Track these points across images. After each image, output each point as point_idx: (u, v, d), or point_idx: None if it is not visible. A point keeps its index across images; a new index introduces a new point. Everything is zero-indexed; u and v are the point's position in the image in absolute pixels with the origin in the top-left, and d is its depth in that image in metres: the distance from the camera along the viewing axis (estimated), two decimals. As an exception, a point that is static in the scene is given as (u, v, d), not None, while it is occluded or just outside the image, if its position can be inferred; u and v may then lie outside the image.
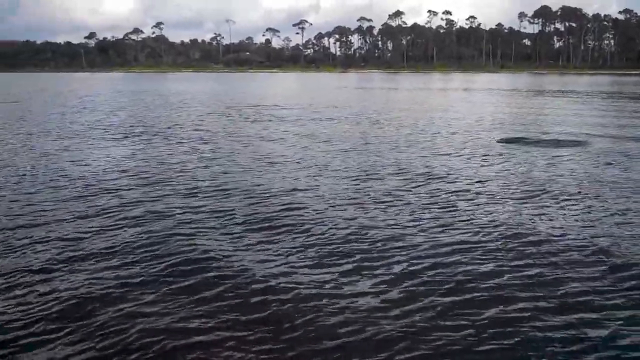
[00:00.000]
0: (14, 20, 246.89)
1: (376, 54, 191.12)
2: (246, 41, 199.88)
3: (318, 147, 14.13)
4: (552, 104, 31.40)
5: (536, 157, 12.47)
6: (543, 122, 20.63)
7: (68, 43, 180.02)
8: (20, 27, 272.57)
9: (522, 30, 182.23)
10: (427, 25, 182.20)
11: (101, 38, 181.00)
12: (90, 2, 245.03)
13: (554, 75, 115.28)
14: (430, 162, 11.85)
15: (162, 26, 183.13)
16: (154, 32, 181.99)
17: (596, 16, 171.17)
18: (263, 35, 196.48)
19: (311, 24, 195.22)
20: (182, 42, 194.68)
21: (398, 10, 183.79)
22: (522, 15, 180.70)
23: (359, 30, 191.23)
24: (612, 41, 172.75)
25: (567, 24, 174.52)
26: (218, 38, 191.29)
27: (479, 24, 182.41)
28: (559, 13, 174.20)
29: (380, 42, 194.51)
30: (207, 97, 38.28)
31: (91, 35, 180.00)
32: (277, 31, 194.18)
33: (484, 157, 12.47)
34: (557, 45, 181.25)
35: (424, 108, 28.30)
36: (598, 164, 11.57)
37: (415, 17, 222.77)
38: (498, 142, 15.23)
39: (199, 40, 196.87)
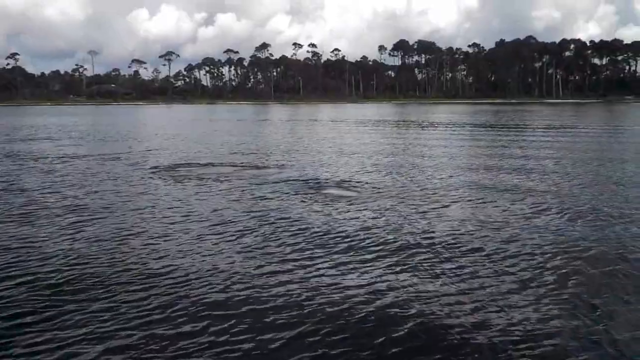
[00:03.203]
0: None
1: (248, 86, 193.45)
2: (113, 73, 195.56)
3: None
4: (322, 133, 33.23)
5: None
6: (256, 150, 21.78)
7: None
8: None
9: (384, 62, 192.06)
10: (294, 58, 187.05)
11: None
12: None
13: (408, 105, 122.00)
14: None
15: (17, 56, 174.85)
16: (8, 64, 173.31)
17: (449, 50, 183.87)
18: (129, 66, 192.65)
19: (178, 56, 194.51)
20: (43, 73, 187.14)
21: (264, 43, 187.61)
22: (382, 48, 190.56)
23: (229, 61, 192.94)
24: (463, 73, 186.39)
25: (424, 56, 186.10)
26: (80, 69, 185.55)
27: (344, 56, 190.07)
28: (415, 47, 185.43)
29: (251, 74, 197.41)
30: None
31: None
32: (144, 62, 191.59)
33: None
34: (419, 77, 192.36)
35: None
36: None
37: (282, 50, 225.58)
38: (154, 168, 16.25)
39: (62, 72, 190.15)
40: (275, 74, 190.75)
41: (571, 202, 11.10)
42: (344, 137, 31.04)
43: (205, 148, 24.19)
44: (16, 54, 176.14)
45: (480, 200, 11.45)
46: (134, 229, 9.09)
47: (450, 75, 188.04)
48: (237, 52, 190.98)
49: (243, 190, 12.70)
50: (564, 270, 6.85)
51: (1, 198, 12.11)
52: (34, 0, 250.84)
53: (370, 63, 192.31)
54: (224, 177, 14.81)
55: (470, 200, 11.48)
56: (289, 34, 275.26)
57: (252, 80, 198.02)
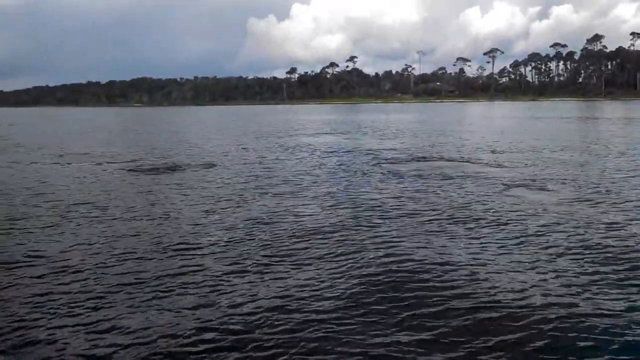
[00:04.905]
0: (237, 59, 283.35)
1: (579, 81, 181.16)
2: (439, 71, 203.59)
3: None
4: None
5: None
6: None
7: (274, 78, 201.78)
8: (241, 65, 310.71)
9: None
10: (631, 49, 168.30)
11: (302, 72, 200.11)
12: (300, 40, 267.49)
13: None
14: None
15: (355, 59, 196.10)
16: (347, 66, 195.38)
17: None
18: (454, 65, 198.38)
19: (502, 52, 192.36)
20: (377, 74, 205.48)
21: (597, 34, 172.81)
22: None
23: (557, 56, 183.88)
24: None
25: None
26: (409, 69, 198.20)
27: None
28: None
29: (582, 69, 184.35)
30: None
31: (292, 70, 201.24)
32: (468, 60, 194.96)
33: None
34: None
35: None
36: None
37: (619, 42, 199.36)
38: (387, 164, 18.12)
39: (393, 72, 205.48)
40: (609, 67, 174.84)
41: None
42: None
43: (463, 145, 25.18)
44: (354, 57, 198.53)
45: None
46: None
47: None
48: (565, 45, 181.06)
49: (440, 187, 13.31)
50: None
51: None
52: (378, 8, 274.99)
53: None
54: (436, 173, 15.55)
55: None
56: (634, 22, 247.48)
57: (582, 75, 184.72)
